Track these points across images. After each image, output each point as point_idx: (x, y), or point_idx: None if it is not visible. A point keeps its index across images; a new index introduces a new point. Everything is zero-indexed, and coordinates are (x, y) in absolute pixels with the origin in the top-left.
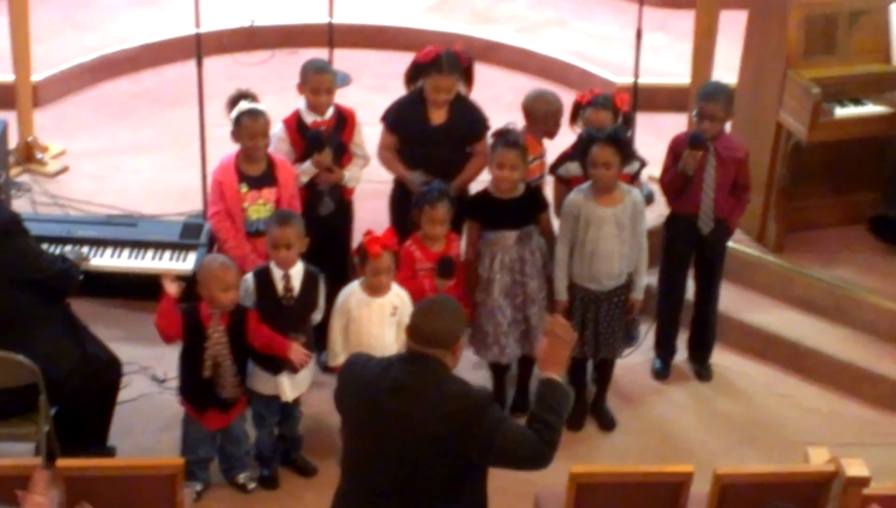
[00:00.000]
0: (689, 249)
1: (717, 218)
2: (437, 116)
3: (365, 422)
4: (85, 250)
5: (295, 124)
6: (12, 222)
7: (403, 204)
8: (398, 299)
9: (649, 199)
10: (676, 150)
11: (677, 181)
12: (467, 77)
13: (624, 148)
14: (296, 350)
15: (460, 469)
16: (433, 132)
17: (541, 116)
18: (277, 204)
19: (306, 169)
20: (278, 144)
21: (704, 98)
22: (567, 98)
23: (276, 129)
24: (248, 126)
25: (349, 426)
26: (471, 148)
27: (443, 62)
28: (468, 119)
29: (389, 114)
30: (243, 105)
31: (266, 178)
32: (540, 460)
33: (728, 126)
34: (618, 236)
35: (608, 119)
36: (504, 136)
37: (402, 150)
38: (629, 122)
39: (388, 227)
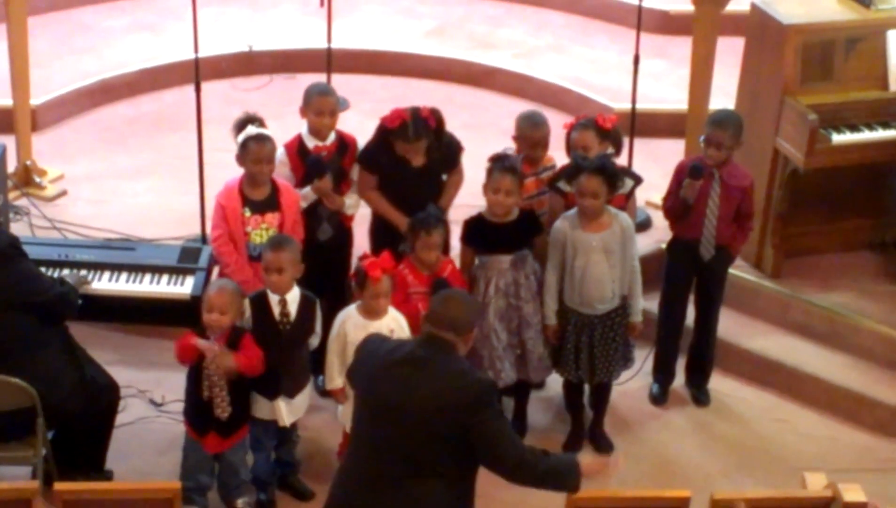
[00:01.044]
0: (690, 274)
1: (718, 245)
2: (417, 159)
3: (375, 389)
4: (83, 273)
5: (296, 149)
6: (11, 245)
7: (383, 234)
8: (395, 322)
9: (646, 224)
10: (680, 176)
11: (678, 208)
12: (438, 136)
13: (612, 178)
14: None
15: (457, 450)
16: (413, 173)
17: (536, 140)
18: (280, 229)
19: (306, 194)
20: (279, 169)
21: (713, 125)
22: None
23: (277, 153)
24: (254, 151)
25: (360, 395)
26: (447, 174)
27: (409, 131)
28: (445, 154)
29: (367, 156)
30: (251, 130)
31: (269, 203)
32: (521, 468)
33: None
34: (606, 261)
35: (592, 138)
36: (501, 161)
37: (382, 187)
38: (617, 139)
39: (386, 250)
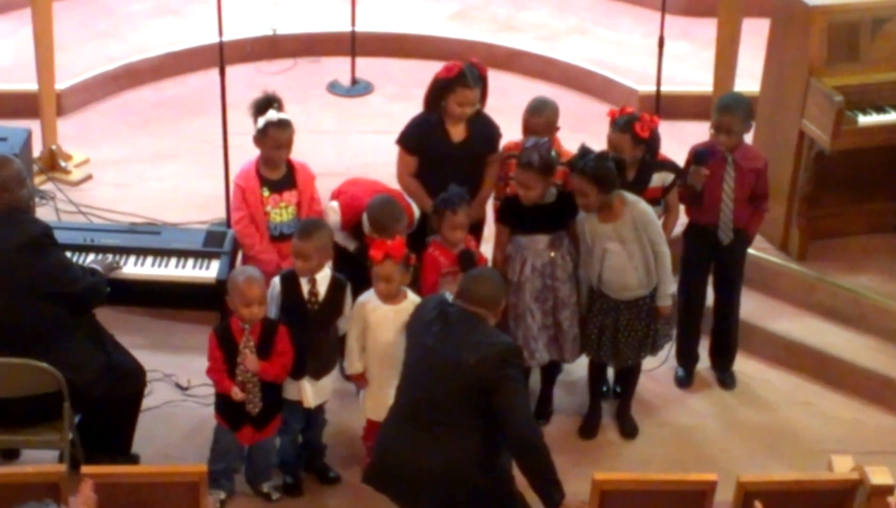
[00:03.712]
0: (708, 259)
1: (735, 228)
2: (457, 133)
3: (418, 342)
4: (113, 258)
5: (353, 221)
6: (44, 234)
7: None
8: (413, 307)
9: None
10: (692, 160)
11: (688, 194)
12: (483, 89)
13: (598, 178)
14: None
15: (480, 405)
16: (455, 149)
17: (534, 127)
18: (298, 207)
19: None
20: (330, 215)
21: (721, 111)
22: (589, 106)
23: (333, 205)
24: (275, 137)
25: (408, 348)
26: (486, 159)
27: (468, 76)
28: (485, 133)
29: (408, 137)
30: (272, 114)
31: (286, 181)
32: (527, 430)
33: (750, 135)
34: (623, 250)
35: (627, 142)
36: (519, 156)
37: (421, 169)
38: (652, 148)
39: (398, 238)
